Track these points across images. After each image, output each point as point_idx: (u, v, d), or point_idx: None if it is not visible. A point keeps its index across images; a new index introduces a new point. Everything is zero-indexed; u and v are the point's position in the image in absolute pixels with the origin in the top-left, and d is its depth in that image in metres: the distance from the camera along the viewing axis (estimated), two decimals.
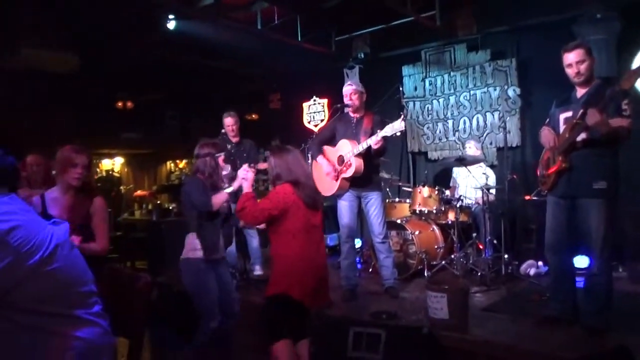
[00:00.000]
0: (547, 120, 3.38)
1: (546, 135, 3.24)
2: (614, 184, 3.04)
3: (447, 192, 5.15)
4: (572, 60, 3.08)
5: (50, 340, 1.41)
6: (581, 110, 3.01)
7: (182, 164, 10.69)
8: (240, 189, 3.18)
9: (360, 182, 4.17)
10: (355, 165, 4.06)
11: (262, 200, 2.84)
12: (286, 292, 2.70)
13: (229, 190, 3.17)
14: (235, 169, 4.97)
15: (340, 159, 4.18)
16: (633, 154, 4.76)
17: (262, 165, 5.02)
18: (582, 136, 3.02)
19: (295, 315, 2.77)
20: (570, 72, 3.11)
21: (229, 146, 5.17)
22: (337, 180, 4.18)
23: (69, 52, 6.43)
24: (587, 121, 2.87)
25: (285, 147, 3.01)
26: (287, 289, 2.70)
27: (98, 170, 9.79)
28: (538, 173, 3.43)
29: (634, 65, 4.72)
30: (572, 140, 3.05)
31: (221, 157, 3.30)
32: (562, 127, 3.20)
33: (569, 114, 3.16)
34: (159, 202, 8.02)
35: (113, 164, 10.44)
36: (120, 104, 8.35)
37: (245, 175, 3.08)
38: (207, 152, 3.33)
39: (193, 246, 3.15)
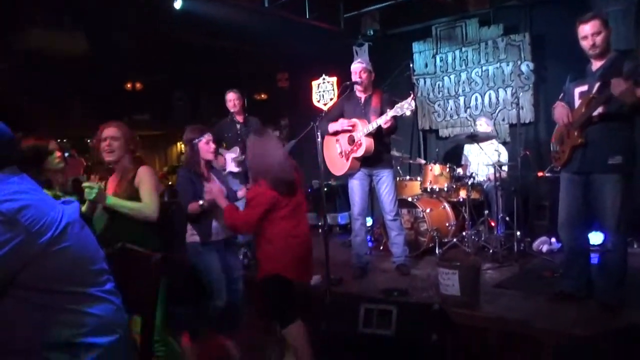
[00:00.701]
0: (562, 95, 3.29)
1: (560, 111, 3.16)
2: (631, 159, 2.97)
3: (459, 170, 5.10)
4: (588, 32, 2.98)
5: (65, 317, 1.42)
6: (597, 84, 2.93)
7: None
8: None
9: (371, 161, 4.14)
10: (365, 145, 4.03)
11: (246, 209, 2.88)
12: (282, 272, 2.77)
13: (202, 203, 3.10)
14: (244, 151, 4.97)
15: (351, 139, 4.15)
16: None
17: None
18: (598, 110, 2.95)
19: (293, 295, 2.81)
20: (585, 44, 3.02)
21: (237, 126, 5.16)
22: (347, 160, 4.16)
23: (77, 33, 6.41)
24: (613, 91, 2.76)
25: (256, 139, 2.95)
26: (283, 269, 2.77)
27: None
28: (552, 149, 3.37)
29: None
30: (588, 115, 2.97)
31: (202, 141, 3.19)
32: (577, 102, 3.12)
33: (585, 88, 3.08)
34: (170, 183, 8.05)
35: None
36: (129, 85, 8.35)
37: (211, 192, 3.03)
38: (188, 139, 3.21)
39: (190, 231, 3.19)
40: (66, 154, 6.00)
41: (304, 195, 3.09)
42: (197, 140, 3.19)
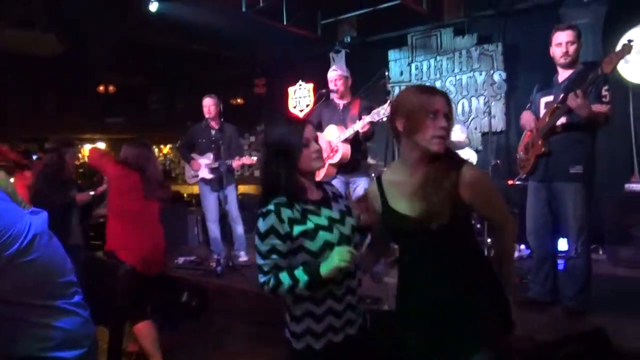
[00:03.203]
0: (529, 105, 3.41)
1: (526, 117, 3.29)
2: (590, 169, 3.10)
3: None
4: (564, 39, 3.09)
5: (31, 331, 1.40)
6: (562, 95, 3.04)
7: (166, 149, 10.59)
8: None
9: (348, 168, 4.17)
10: (342, 151, 4.05)
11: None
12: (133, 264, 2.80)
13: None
14: (218, 157, 4.95)
15: (328, 145, 4.17)
16: (613, 140, 4.85)
17: (247, 160, 4.99)
18: (562, 120, 3.07)
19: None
20: (558, 51, 3.12)
21: (212, 132, 5.13)
22: (323, 166, 4.18)
23: (50, 34, 6.29)
24: (569, 104, 2.89)
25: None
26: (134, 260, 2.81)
27: (80, 155, 9.65)
28: (518, 157, 3.47)
29: (619, 48, 4.76)
30: (552, 124, 3.09)
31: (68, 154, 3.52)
32: (542, 111, 3.23)
33: (550, 98, 3.19)
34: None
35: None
36: (102, 87, 8.21)
37: None
38: (52, 148, 3.46)
39: None
40: (34, 157, 5.88)
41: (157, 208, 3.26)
42: (64, 150, 3.64)
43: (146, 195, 3.00)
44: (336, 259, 1.59)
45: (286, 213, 1.65)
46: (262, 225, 1.65)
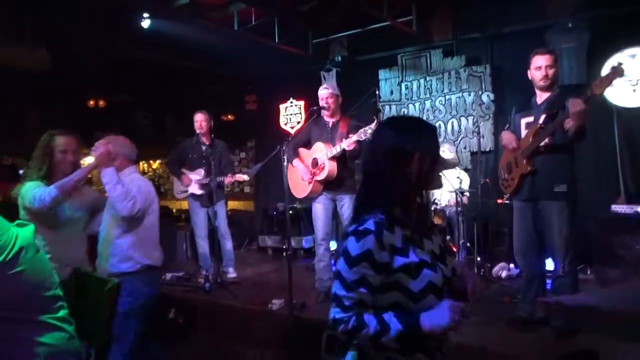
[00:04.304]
0: (507, 125, 3.49)
1: (508, 137, 3.35)
2: (574, 187, 3.15)
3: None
4: (543, 63, 3.16)
5: (14, 346, 1.37)
6: (543, 116, 3.11)
7: (155, 164, 10.52)
8: None
9: (335, 185, 4.18)
10: (328, 168, 4.07)
11: None
12: None
13: None
14: (209, 173, 4.93)
15: (314, 162, 4.18)
16: (599, 161, 4.92)
17: (239, 177, 4.98)
18: (545, 141, 3.12)
19: None
20: (538, 74, 3.19)
21: (202, 147, 5.12)
22: (310, 182, 4.18)
23: (40, 49, 6.27)
24: (571, 108, 2.89)
25: None
26: None
27: None
28: (499, 176, 3.51)
29: (605, 72, 4.86)
30: (536, 144, 3.15)
31: None
32: (523, 132, 3.30)
33: (531, 119, 3.26)
34: None
35: (84, 163, 10.19)
36: (92, 102, 8.18)
37: None
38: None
39: None
40: (20, 172, 5.81)
41: None
42: None
43: None
44: (448, 316, 1.28)
45: (388, 238, 1.33)
46: (354, 247, 1.33)
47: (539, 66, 3.17)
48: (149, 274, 2.78)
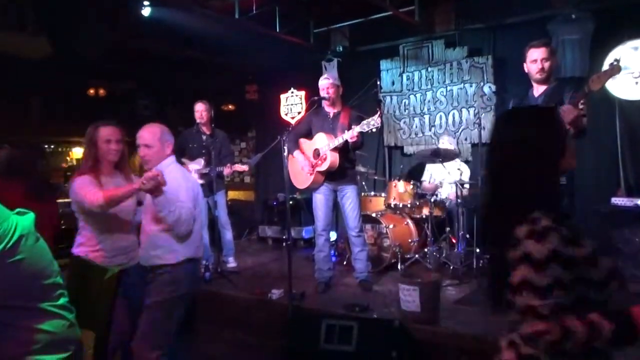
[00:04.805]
0: None
1: None
2: (571, 180, 3.14)
3: (424, 184, 5.22)
4: (538, 56, 3.14)
5: (15, 334, 1.37)
6: None
7: None
8: None
9: (336, 176, 4.18)
10: (330, 159, 4.06)
11: None
12: None
13: None
14: (209, 163, 4.93)
15: (316, 153, 4.18)
16: (600, 154, 4.91)
17: (239, 168, 4.98)
18: None
19: None
20: (534, 67, 3.17)
21: (203, 137, 5.12)
22: (311, 173, 4.18)
23: (40, 37, 6.24)
24: (565, 119, 2.90)
25: None
26: None
27: (69, 158, 9.55)
28: None
29: (605, 66, 4.83)
30: None
31: None
32: None
33: None
34: None
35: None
36: (92, 91, 8.15)
37: None
38: None
39: None
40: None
41: None
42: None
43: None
44: None
45: (561, 231, 1.22)
46: (537, 249, 1.19)
47: (534, 59, 3.16)
48: (191, 264, 2.80)
